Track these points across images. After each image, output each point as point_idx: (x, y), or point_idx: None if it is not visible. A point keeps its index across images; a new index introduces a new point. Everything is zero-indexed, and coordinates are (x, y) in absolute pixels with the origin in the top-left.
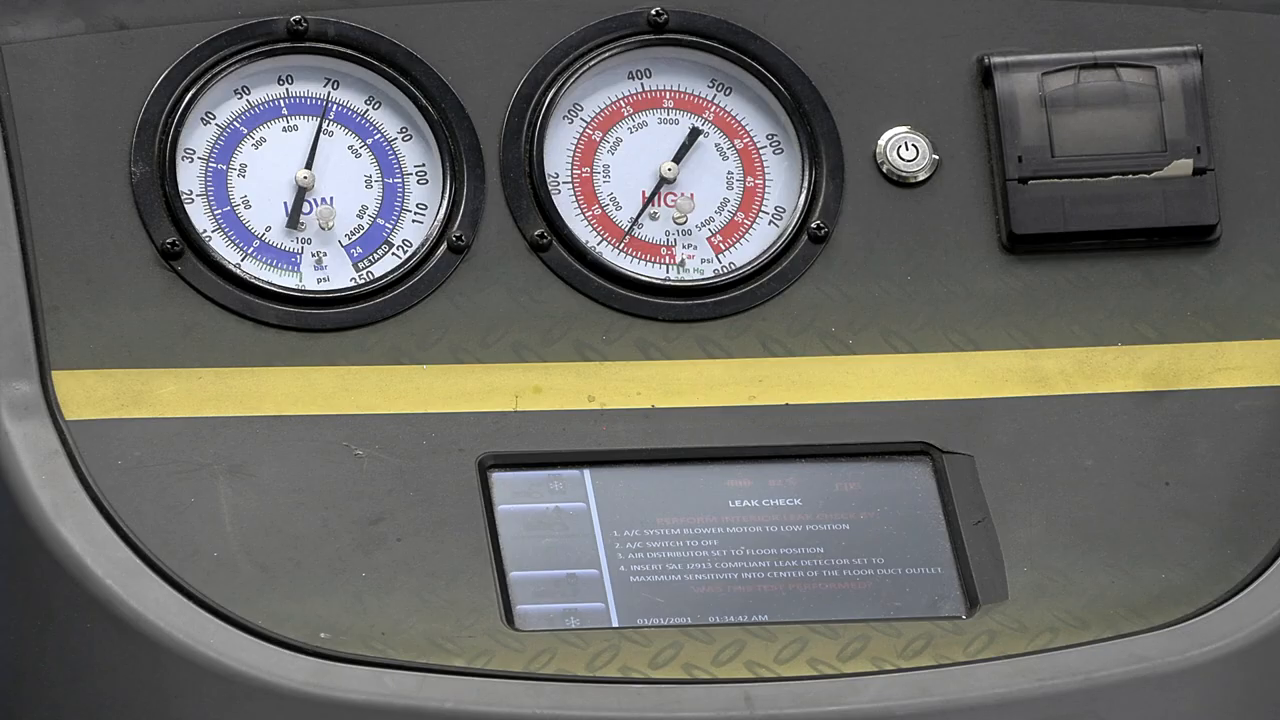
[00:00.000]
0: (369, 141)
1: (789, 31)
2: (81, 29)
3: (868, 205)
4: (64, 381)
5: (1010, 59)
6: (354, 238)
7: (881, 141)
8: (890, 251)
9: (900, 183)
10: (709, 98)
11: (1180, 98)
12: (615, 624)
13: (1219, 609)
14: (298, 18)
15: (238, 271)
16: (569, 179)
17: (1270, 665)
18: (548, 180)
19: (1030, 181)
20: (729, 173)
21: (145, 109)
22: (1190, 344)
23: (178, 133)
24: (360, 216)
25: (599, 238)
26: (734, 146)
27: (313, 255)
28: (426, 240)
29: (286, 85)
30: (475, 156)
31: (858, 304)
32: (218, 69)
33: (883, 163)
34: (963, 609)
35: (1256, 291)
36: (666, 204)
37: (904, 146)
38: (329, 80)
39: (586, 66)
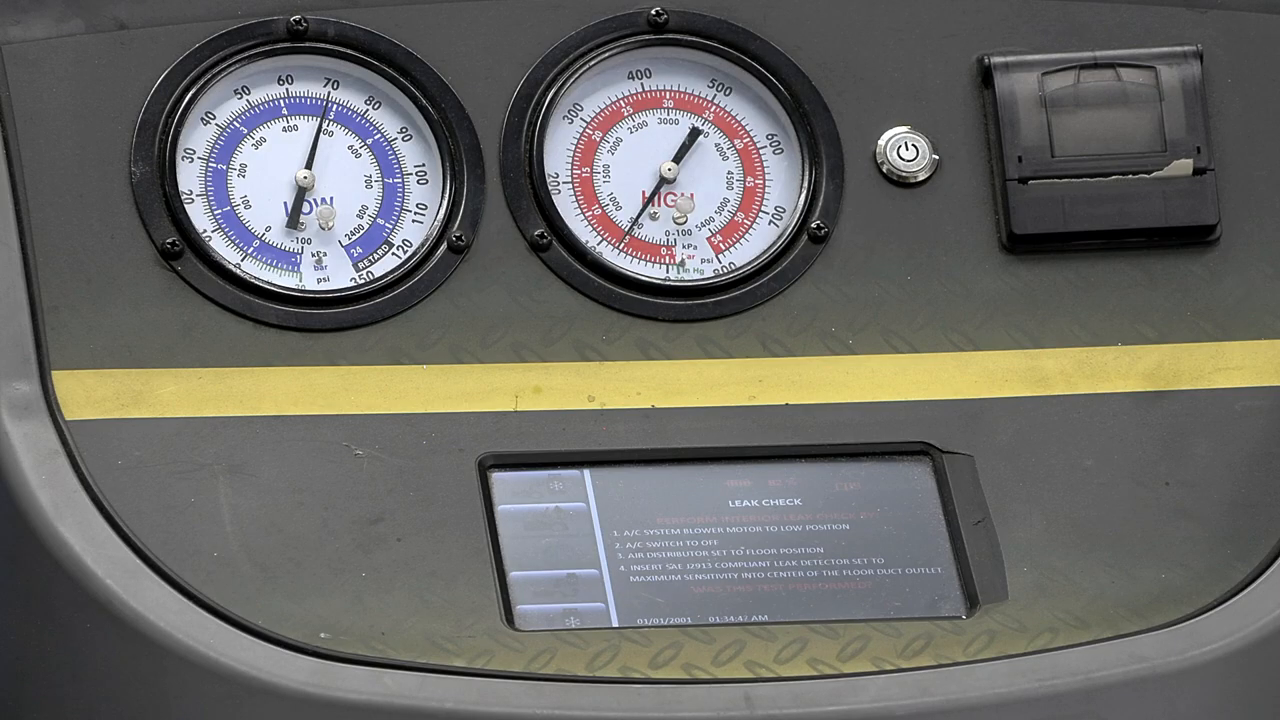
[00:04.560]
0: (369, 141)
1: (789, 31)
2: (81, 29)
3: (868, 205)
4: (64, 381)
5: (1010, 59)
6: (354, 238)
7: (881, 141)
8: (890, 251)
9: (900, 183)
10: (709, 98)
11: (1180, 98)
12: (615, 624)
13: (1219, 609)
14: (298, 18)
15: (238, 271)
16: (569, 179)
17: (1270, 665)
18: (548, 180)
19: (1030, 181)
20: (729, 173)
21: (145, 109)
22: (1190, 344)
23: (178, 133)
24: (360, 216)
25: (599, 238)
26: (734, 146)
27: (313, 255)
28: (426, 240)
29: (286, 85)
30: (475, 156)
31: (858, 304)
32: (218, 69)
33: (883, 163)
34: (963, 609)
35: (1256, 291)
36: (666, 204)
37: (904, 146)
38: (329, 80)
39: (586, 66)
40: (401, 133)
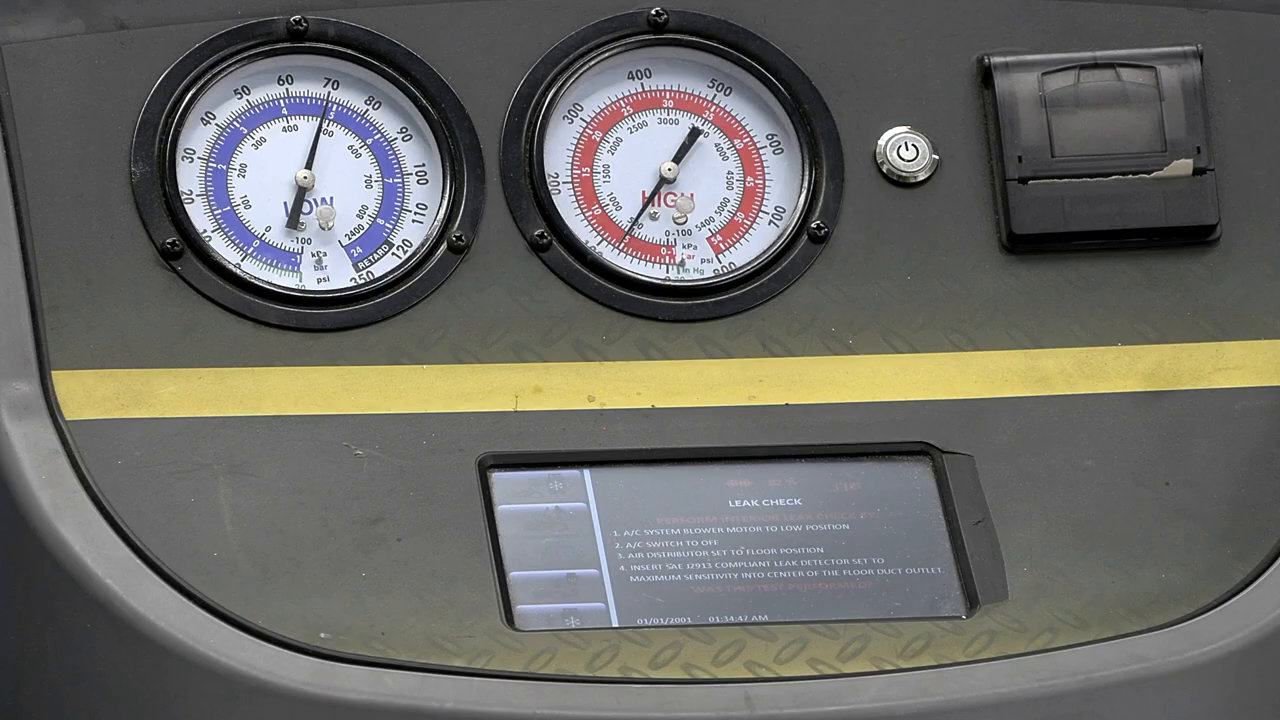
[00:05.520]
0: (369, 141)
1: (789, 31)
2: (81, 29)
3: (868, 205)
4: (64, 381)
5: (1010, 59)
6: (354, 238)
7: (881, 141)
8: (890, 251)
9: (900, 183)
10: (709, 98)
11: (1180, 98)
12: (615, 624)
13: (1219, 609)
14: (298, 18)
15: (238, 271)
16: (569, 179)
17: (1270, 665)
18: (548, 180)
19: (1030, 181)
20: (729, 173)
21: (145, 109)
22: (1190, 344)
23: (178, 133)
24: (360, 216)
25: (599, 238)
26: (734, 146)
27: (313, 255)
28: (426, 240)
29: (286, 85)
30: (475, 156)
31: (858, 304)
32: (218, 69)
33: (883, 163)
34: (963, 609)
35: (1256, 291)
36: (666, 204)
37: (904, 146)
38: (329, 80)
39: (586, 66)
40: (401, 133)
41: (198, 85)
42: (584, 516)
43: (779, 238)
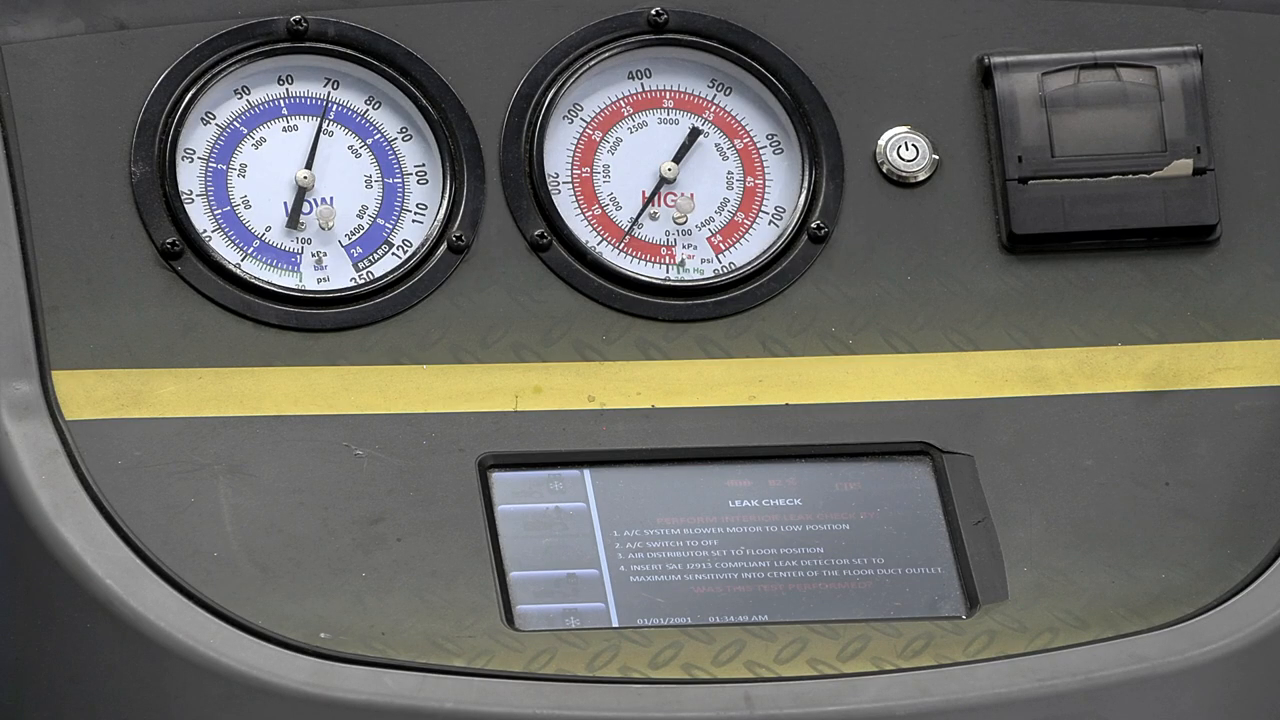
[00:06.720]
0: (369, 141)
1: (789, 31)
2: (81, 29)
3: (868, 205)
4: (64, 381)
5: (1010, 59)
6: (354, 238)
7: (881, 141)
8: (890, 251)
9: (900, 183)
10: (709, 98)
11: (1180, 98)
12: (615, 624)
13: (1219, 609)
14: (298, 18)
15: (238, 271)
16: (569, 179)
17: (1270, 665)
18: (548, 180)
19: (1030, 181)
20: (729, 173)
21: (145, 109)
22: (1190, 344)
23: (178, 133)
24: (360, 216)
25: (599, 238)
26: (734, 146)
27: (313, 255)
28: (426, 240)
29: (286, 85)
30: (475, 156)
31: (858, 304)
32: (218, 69)
33: (883, 163)
34: (963, 609)
35: (1256, 291)
36: (666, 204)
37: (904, 146)
38: (329, 80)
39: (586, 66)
40: (401, 133)
41: (198, 85)
42: (584, 516)
43: (779, 238)
